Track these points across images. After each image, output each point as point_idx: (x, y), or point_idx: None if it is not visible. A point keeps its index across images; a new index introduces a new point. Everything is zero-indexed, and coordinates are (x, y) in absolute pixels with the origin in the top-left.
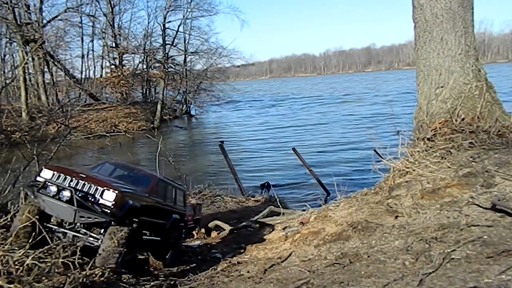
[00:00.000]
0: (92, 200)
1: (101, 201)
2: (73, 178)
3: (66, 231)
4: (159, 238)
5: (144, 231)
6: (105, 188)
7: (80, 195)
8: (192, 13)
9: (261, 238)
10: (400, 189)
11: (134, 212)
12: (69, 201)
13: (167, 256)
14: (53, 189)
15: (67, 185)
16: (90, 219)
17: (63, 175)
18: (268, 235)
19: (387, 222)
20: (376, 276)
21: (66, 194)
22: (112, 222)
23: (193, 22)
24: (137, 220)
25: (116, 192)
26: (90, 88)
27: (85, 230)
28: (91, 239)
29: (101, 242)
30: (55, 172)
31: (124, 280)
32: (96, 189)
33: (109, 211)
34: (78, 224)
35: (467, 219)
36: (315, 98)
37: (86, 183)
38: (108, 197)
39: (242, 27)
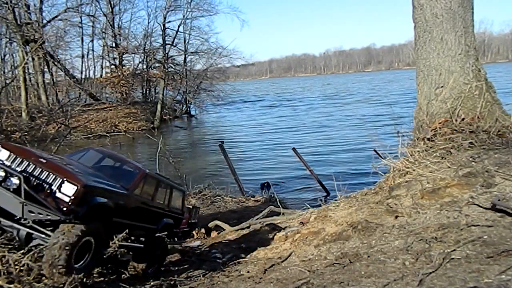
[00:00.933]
0: (48, 192)
1: (58, 194)
2: (31, 163)
3: (19, 227)
4: (141, 245)
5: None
6: (65, 178)
7: (34, 184)
8: (192, 13)
9: (261, 238)
10: (400, 189)
11: (104, 211)
12: (17, 191)
13: (149, 270)
14: (1, 173)
15: (19, 170)
16: (41, 216)
17: (19, 157)
18: (268, 235)
19: (387, 222)
20: (376, 276)
21: (15, 181)
22: (68, 221)
23: (193, 22)
24: (107, 221)
25: (77, 185)
26: (90, 88)
27: (39, 228)
28: (46, 237)
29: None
30: (12, 153)
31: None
32: (55, 178)
33: (65, 208)
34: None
35: (467, 219)
36: (317, 98)
37: (44, 170)
38: (67, 191)
39: (242, 27)
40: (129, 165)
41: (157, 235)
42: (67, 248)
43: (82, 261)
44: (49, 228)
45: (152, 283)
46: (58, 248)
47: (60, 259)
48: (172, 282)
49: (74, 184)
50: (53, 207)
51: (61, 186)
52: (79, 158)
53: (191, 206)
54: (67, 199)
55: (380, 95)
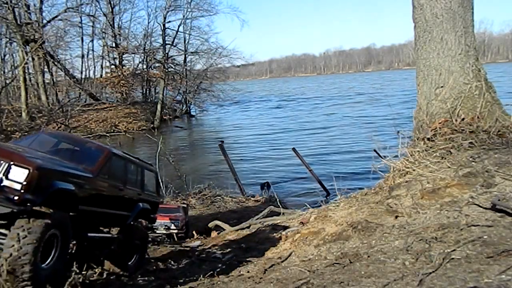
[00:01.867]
0: None
1: (5, 182)
2: None
3: None
4: (116, 236)
5: (92, 227)
6: (12, 162)
7: None
8: (192, 13)
9: (261, 238)
10: (400, 189)
11: (67, 199)
12: None
13: (130, 262)
14: None
15: None
16: None
17: None
18: (268, 235)
19: (387, 222)
20: (376, 276)
21: None
22: (26, 214)
23: (193, 22)
24: (72, 210)
25: (29, 168)
26: (90, 88)
27: None
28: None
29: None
30: None
31: (124, 280)
32: None
33: (17, 197)
34: None
35: (467, 219)
36: (322, 99)
37: None
38: (16, 176)
39: (242, 27)
40: (91, 145)
41: (133, 222)
42: (29, 246)
43: (49, 259)
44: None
45: (153, 284)
46: (19, 248)
47: (23, 262)
48: (172, 282)
49: (25, 168)
50: (1, 197)
51: (8, 172)
52: (29, 143)
53: (184, 206)
54: (18, 187)
55: (387, 95)
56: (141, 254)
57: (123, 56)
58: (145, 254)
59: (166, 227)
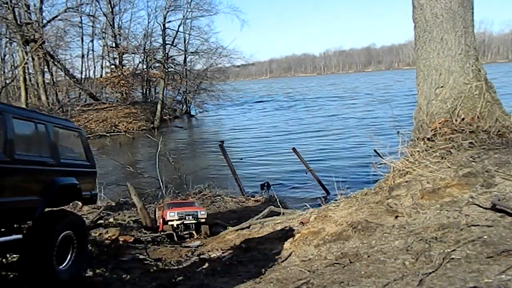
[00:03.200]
0: None
1: None
2: None
3: None
4: (18, 236)
5: None
6: None
7: None
8: (192, 13)
9: (261, 238)
10: (400, 189)
11: None
12: None
13: (62, 265)
14: None
15: None
16: None
17: None
18: (268, 235)
19: (387, 222)
20: (376, 276)
21: None
22: None
23: (193, 22)
24: None
25: None
26: (90, 88)
27: None
28: None
29: None
30: None
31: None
32: None
33: None
34: None
35: (467, 219)
36: (325, 99)
37: None
38: None
39: (242, 27)
40: None
41: (56, 208)
42: None
43: None
44: None
45: (152, 283)
46: None
47: None
48: (172, 282)
49: None
50: None
51: None
52: None
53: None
54: None
55: (392, 95)
56: (79, 250)
57: (123, 56)
58: (86, 248)
59: (194, 216)
